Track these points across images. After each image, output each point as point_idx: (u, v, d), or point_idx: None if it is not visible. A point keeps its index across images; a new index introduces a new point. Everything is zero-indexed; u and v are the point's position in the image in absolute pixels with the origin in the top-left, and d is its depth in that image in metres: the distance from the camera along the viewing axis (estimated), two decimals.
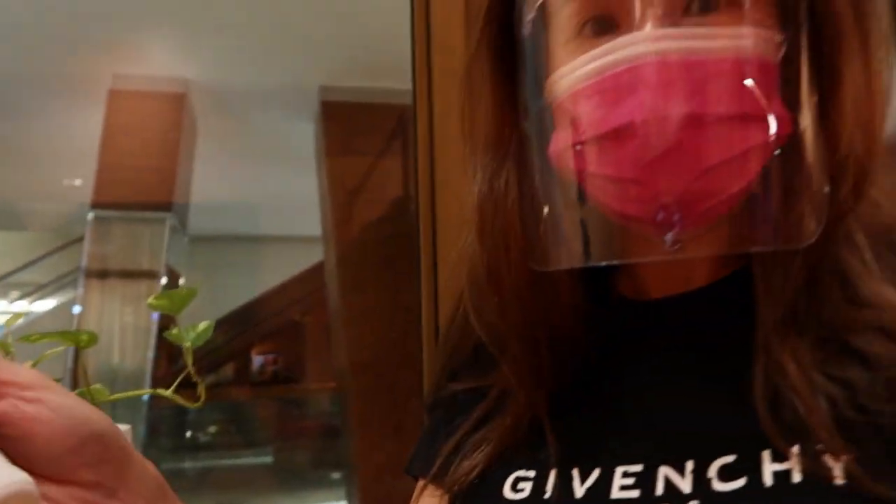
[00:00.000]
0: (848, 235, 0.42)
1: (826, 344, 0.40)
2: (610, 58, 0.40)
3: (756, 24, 0.40)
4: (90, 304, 4.08)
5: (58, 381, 0.39)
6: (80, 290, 4.07)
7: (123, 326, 4.11)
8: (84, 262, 4.14)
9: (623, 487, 0.42)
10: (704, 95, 0.37)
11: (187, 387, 0.80)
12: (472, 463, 0.49)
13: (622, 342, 0.48)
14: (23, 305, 6.80)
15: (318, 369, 7.35)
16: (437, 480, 0.52)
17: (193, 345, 0.79)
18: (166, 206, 3.82)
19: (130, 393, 0.82)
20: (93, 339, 0.76)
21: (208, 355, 8.24)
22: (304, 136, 4.14)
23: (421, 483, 0.55)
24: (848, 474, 0.37)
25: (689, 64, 0.38)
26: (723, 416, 0.42)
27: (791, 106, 0.40)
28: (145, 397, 3.81)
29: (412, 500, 0.56)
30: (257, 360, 9.23)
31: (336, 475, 4.81)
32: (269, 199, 5.88)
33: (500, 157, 0.47)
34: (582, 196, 0.43)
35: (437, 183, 1.21)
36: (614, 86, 0.40)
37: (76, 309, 4.12)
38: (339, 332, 3.78)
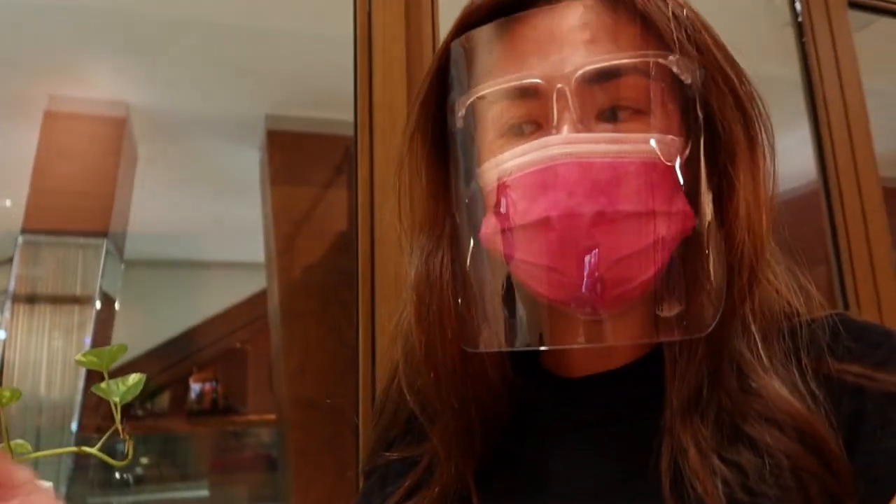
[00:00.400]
0: (745, 327, 0.46)
1: (723, 428, 0.43)
2: (530, 156, 0.45)
3: (660, 131, 0.44)
4: (17, 329, 3.92)
5: None
6: (6, 315, 3.91)
7: (52, 353, 3.95)
8: (12, 287, 3.98)
9: None
10: (613, 194, 0.42)
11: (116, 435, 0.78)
12: None
13: (546, 416, 0.51)
14: None
15: (259, 399, 7.20)
16: None
17: (122, 400, 0.78)
18: (102, 233, 3.71)
19: (54, 451, 0.79)
20: (15, 395, 0.74)
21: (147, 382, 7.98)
22: (249, 163, 4.09)
23: None
24: None
25: (598, 166, 0.42)
26: (633, 494, 0.44)
27: (692, 204, 0.44)
28: (72, 426, 3.67)
29: None
30: (195, 387, 8.99)
31: None
32: (210, 225, 5.78)
33: (436, 237, 0.49)
34: (509, 278, 0.45)
35: (376, 221, 1.23)
36: (534, 182, 0.45)
37: (1, 334, 3.94)
38: (279, 362, 3.72)
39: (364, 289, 1.19)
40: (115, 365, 0.71)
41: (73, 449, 0.76)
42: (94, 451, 0.76)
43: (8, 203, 5.07)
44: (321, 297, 3.28)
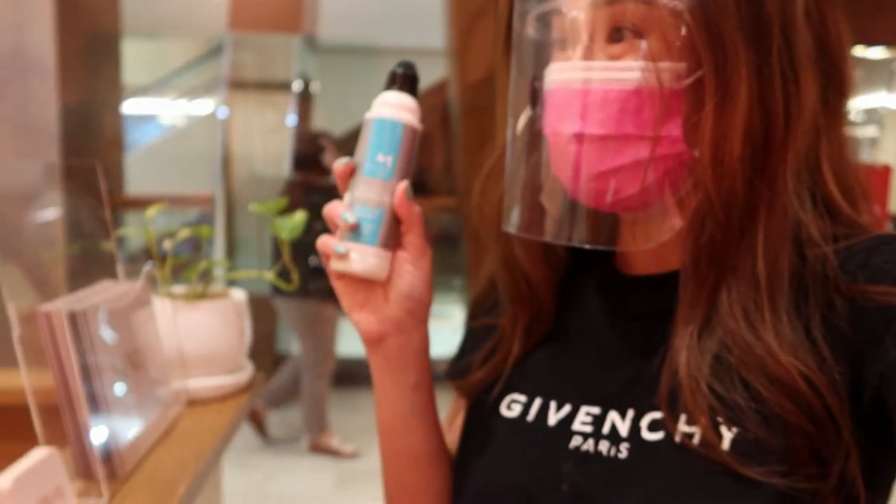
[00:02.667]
0: (751, 271, 0.49)
1: (721, 363, 0.49)
2: (548, 77, 0.52)
3: (660, 58, 0.46)
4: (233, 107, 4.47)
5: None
6: (223, 96, 4.46)
7: (264, 127, 4.48)
8: (225, 73, 4.46)
9: (583, 423, 0.55)
10: (591, 118, 0.48)
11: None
12: (481, 377, 0.63)
13: (605, 303, 0.59)
14: (180, 106, 7.42)
15: (446, 180, 7.62)
16: (459, 389, 0.66)
17: (290, 236, 0.96)
18: (296, 26, 3.94)
19: (239, 273, 1.01)
20: (210, 231, 0.94)
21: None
22: None
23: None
24: (733, 444, 0.47)
25: (585, 91, 0.48)
26: (657, 378, 0.52)
27: (684, 128, 0.47)
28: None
29: (453, 400, 0.72)
30: None
31: (458, 281, 5.20)
32: (396, 13, 5.82)
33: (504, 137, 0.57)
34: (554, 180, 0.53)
35: None
36: (545, 101, 0.53)
37: (223, 112, 4.50)
38: (459, 153, 3.92)
39: None
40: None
41: (255, 273, 0.96)
42: (269, 275, 0.96)
43: None
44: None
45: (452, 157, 4.61)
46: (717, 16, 0.48)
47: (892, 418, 0.45)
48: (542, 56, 0.54)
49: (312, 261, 2.52)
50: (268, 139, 4.52)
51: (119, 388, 0.76)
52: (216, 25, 4.28)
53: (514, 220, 0.55)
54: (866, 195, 0.55)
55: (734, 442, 0.47)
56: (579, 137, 0.50)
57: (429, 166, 9.70)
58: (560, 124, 0.50)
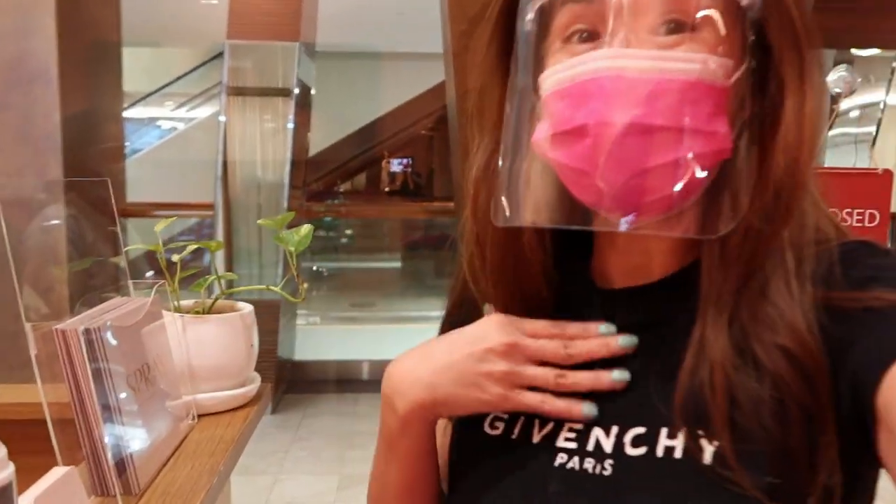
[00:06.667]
0: (780, 256, 0.49)
1: (738, 345, 0.49)
2: (580, 68, 0.49)
3: (711, 50, 0.46)
4: (233, 115, 4.48)
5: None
6: (223, 102, 4.47)
7: (264, 134, 4.49)
8: (225, 80, 4.46)
9: (566, 439, 0.54)
10: (647, 107, 0.46)
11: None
12: None
13: (591, 318, 0.58)
14: (180, 113, 7.44)
15: (444, 182, 7.62)
16: None
17: (297, 249, 0.97)
18: (295, 34, 3.95)
19: (245, 288, 1.02)
20: (219, 245, 0.95)
21: (343, 165, 8.77)
22: None
23: None
24: (714, 456, 0.47)
25: (638, 80, 0.46)
26: (647, 393, 0.52)
27: (734, 126, 0.47)
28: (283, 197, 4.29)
29: None
30: (394, 162, 9.73)
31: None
32: (393, 17, 5.83)
33: (497, 139, 0.56)
34: (555, 180, 0.52)
35: None
36: (579, 92, 0.48)
37: (222, 118, 4.51)
38: (457, 156, 3.93)
39: None
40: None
41: (261, 287, 0.97)
42: (276, 289, 0.97)
43: (215, 1, 5.48)
44: None
45: (450, 160, 4.62)
46: (789, 13, 0.48)
47: (866, 417, 0.45)
48: (555, 49, 0.52)
49: None
50: (267, 145, 4.53)
51: (133, 404, 0.77)
52: (216, 34, 4.29)
53: (531, 213, 0.54)
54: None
55: (716, 455, 0.48)
56: (633, 127, 0.46)
57: (427, 170, 9.71)
58: (612, 113, 0.47)
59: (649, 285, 0.55)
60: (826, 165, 3.85)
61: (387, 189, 9.14)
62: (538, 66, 0.52)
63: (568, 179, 0.51)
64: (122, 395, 0.75)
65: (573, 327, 0.55)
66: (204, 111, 7.20)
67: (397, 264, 7.22)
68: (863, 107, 4.06)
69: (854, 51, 3.78)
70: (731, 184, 0.49)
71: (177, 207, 4.95)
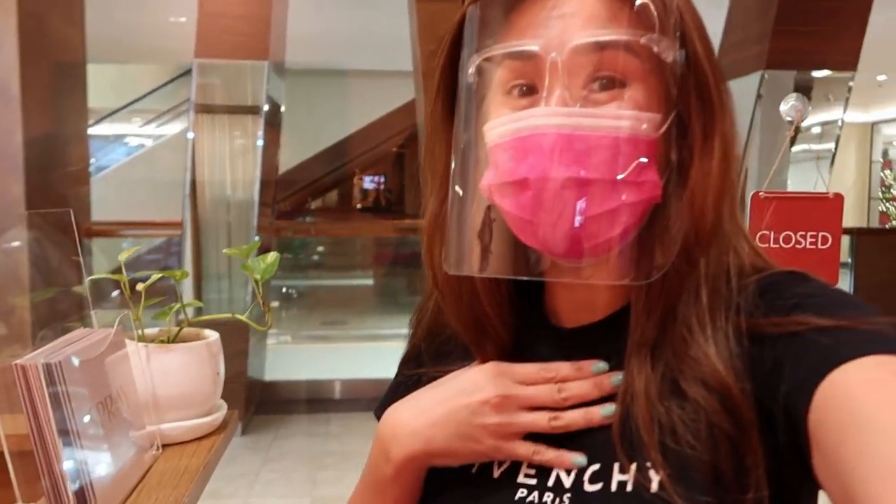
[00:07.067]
0: (696, 294, 0.52)
1: (665, 381, 0.52)
2: (521, 123, 0.53)
3: (639, 105, 0.50)
4: (201, 133, 4.45)
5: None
6: (192, 119, 4.45)
7: (233, 152, 4.46)
8: (193, 97, 4.44)
9: (526, 475, 0.56)
10: (584, 162, 0.49)
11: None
12: None
13: (550, 357, 0.60)
14: (148, 130, 7.37)
15: (415, 198, 7.64)
16: None
17: (263, 278, 0.97)
18: (264, 53, 3.95)
19: (213, 316, 1.02)
20: (184, 274, 0.95)
21: (314, 183, 8.76)
22: None
23: None
24: (660, 485, 0.50)
25: (575, 137, 0.50)
26: (602, 430, 0.55)
27: (662, 174, 0.51)
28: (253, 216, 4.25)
29: None
30: (367, 179, 9.76)
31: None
32: (361, 37, 5.85)
33: (447, 187, 0.58)
34: (501, 226, 0.55)
35: None
36: (521, 146, 0.52)
37: (190, 135, 4.48)
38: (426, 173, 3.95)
39: None
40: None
41: (227, 315, 0.97)
42: (243, 317, 0.97)
43: (182, 20, 5.47)
44: None
45: (421, 178, 4.64)
46: (704, 67, 0.51)
47: (799, 439, 0.47)
48: (497, 101, 0.55)
49: None
50: (236, 162, 4.51)
51: (95, 436, 0.76)
52: (184, 52, 4.27)
53: (479, 263, 0.56)
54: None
55: (661, 484, 0.50)
56: (573, 181, 0.50)
57: (398, 186, 9.74)
58: (550, 168, 0.51)
59: (592, 325, 0.58)
60: (788, 182, 3.97)
61: (359, 206, 9.14)
62: (481, 117, 0.56)
63: (514, 225, 0.55)
64: (84, 428, 0.74)
65: (565, 368, 0.57)
66: (172, 128, 7.13)
67: (369, 281, 7.21)
68: (823, 124, 4.20)
69: (814, 72, 3.90)
70: (661, 228, 0.53)
71: (144, 226, 4.88)
